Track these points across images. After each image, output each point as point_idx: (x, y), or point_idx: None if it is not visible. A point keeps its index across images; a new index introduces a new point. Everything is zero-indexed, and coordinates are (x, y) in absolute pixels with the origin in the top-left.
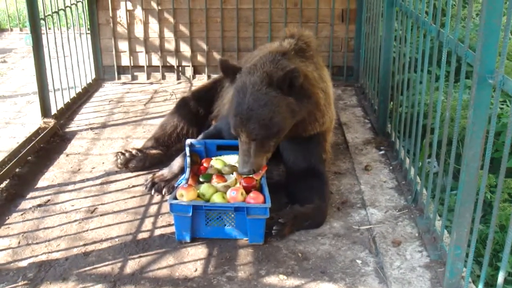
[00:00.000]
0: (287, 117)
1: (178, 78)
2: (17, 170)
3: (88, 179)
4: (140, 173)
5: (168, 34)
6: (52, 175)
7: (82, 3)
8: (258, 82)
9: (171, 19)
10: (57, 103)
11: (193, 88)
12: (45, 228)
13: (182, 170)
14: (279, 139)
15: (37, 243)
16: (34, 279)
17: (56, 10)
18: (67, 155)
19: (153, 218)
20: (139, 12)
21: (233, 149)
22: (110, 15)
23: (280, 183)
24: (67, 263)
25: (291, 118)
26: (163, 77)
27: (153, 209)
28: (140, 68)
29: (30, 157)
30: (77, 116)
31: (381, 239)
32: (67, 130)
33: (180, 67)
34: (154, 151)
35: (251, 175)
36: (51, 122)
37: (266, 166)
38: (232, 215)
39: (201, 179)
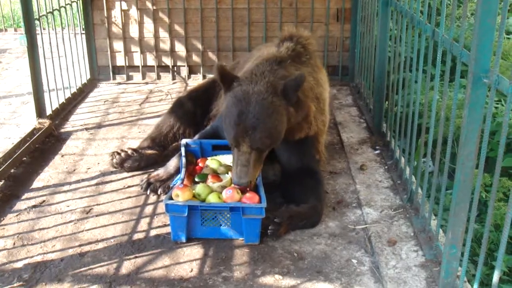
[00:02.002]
0: (285, 126)
1: (173, 78)
2: (12, 171)
3: (83, 180)
4: (135, 173)
5: (163, 34)
6: (47, 176)
7: (76, 3)
8: (263, 91)
9: (166, 19)
10: (52, 103)
11: (189, 88)
12: (40, 229)
13: (177, 170)
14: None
15: (32, 244)
16: (29, 280)
17: (51, 10)
18: (62, 156)
19: (149, 218)
20: (134, 12)
21: (228, 149)
22: (105, 15)
23: (276, 183)
24: (63, 264)
25: (286, 126)
26: (158, 77)
27: (148, 209)
28: (135, 68)
29: (25, 158)
30: (72, 116)
31: (376, 238)
32: (62, 130)
33: (175, 67)
34: (149, 151)
35: None
36: (46, 122)
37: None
38: (228, 215)
39: (196, 179)
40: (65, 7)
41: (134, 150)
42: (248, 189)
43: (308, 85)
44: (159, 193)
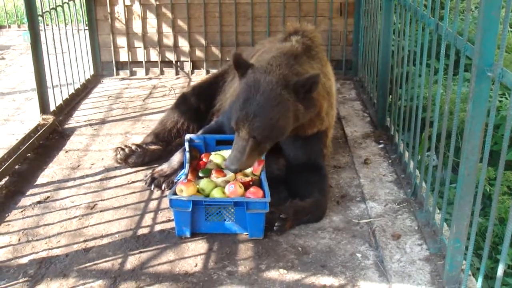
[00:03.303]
0: (291, 122)
1: (177, 73)
2: (16, 167)
3: (87, 175)
4: (139, 168)
5: (167, 29)
6: (51, 172)
7: None
8: (273, 82)
9: (169, 14)
10: (55, 99)
11: (193, 83)
12: (45, 225)
13: (181, 165)
14: (275, 142)
15: (37, 240)
16: (34, 276)
17: (54, 6)
18: (66, 152)
19: (153, 213)
20: (137, 7)
21: (232, 144)
22: (108, 10)
23: (280, 178)
24: (68, 260)
25: (293, 124)
26: (162, 73)
27: (153, 204)
28: (138, 63)
29: (29, 154)
30: (76, 112)
31: (380, 232)
32: (66, 126)
33: (178, 62)
34: (153, 147)
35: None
36: (50, 118)
37: (264, 160)
38: (232, 210)
39: (200, 174)
40: (68, 3)
41: (138, 145)
42: (250, 183)
43: (320, 82)
44: (163, 188)
